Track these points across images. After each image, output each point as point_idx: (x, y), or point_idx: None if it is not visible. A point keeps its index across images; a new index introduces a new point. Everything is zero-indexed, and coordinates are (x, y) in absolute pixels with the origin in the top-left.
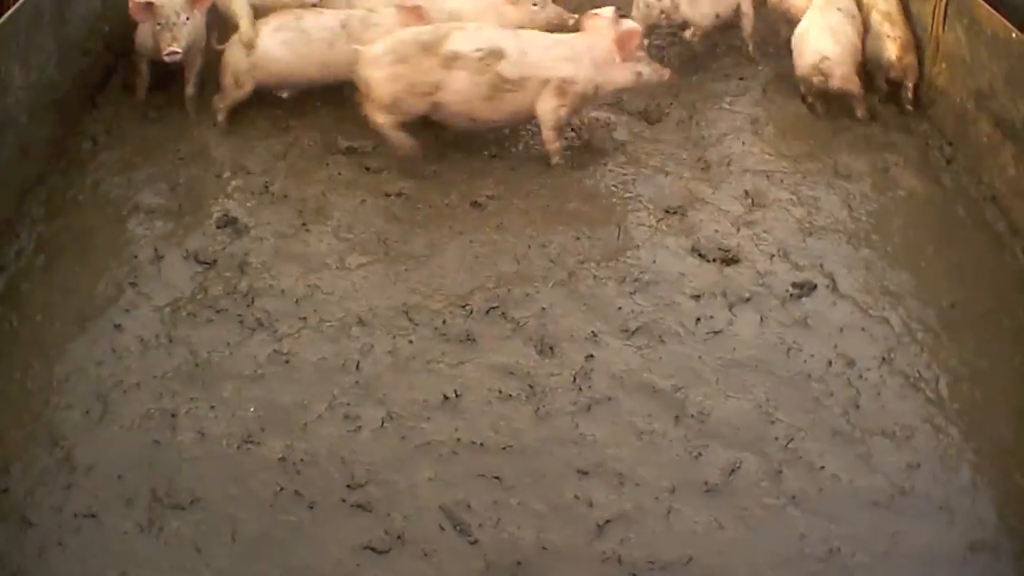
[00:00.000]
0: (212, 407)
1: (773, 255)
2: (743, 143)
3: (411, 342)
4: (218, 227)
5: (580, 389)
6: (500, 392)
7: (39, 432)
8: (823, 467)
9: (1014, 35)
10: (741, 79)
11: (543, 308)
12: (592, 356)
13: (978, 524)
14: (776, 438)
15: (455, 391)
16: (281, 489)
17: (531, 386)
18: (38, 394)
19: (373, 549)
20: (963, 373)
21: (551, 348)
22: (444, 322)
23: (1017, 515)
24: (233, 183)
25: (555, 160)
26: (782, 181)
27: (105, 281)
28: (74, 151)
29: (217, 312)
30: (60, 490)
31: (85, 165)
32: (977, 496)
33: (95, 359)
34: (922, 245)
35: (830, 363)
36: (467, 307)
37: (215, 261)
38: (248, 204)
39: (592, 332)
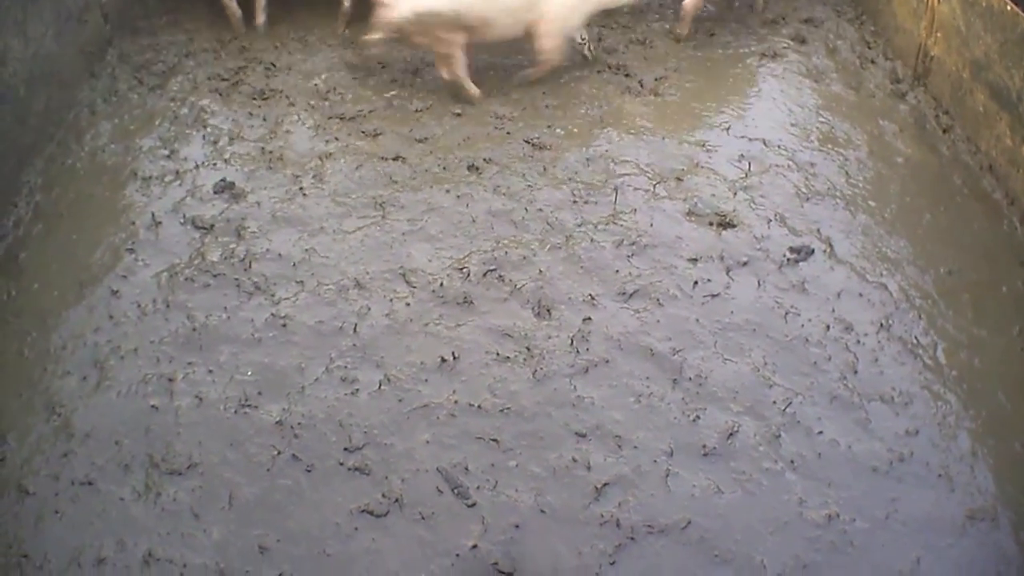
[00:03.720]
0: (210, 371)
1: (770, 220)
2: (740, 109)
3: (408, 305)
4: (215, 192)
5: (577, 352)
6: (497, 355)
7: (36, 400)
8: (821, 432)
9: (1008, 7)
10: (739, 48)
11: (540, 271)
12: (589, 319)
13: (977, 492)
14: (774, 402)
15: (452, 353)
16: (279, 453)
17: (528, 348)
18: (36, 362)
19: (371, 512)
20: (961, 340)
21: (548, 311)
22: (441, 285)
23: (1016, 484)
24: (230, 150)
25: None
26: (779, 147)
27: (103, 248)
28: (72, 121)
29: (214, 277)
30: (57, 458)
31: (83, 134)
32: (976, 464)
33: (93, 326)
34: (919, 212)
35: (828, 328)
36: (464, 270)
37: (212, 226)
38: (245, 170)
39: (589, 295)
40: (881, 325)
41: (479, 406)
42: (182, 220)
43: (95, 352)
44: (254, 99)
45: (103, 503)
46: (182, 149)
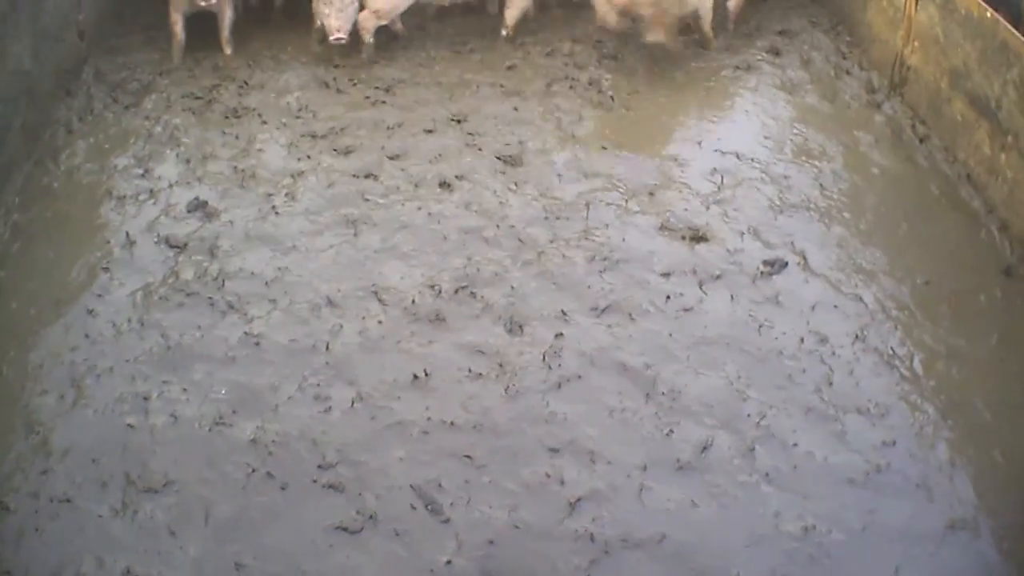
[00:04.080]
0: (184, 390)
1: (744, 233)
2: (713, 123)
3: (380, 323)
4: (189, 211)
5: (550, 367)
6: (470, 371)
7: (15, 419)
8: (796, 444)
9: (988, 14)
10: (712, 62)
11: (512, 287)
12: (562, 334)
13: (957, 502)
14: (748, 415)
15: (425, 370)
16: (253, 471)
17: (501, 365)
18: (14, 381)
19: (345, 529)
20: (939, 351)
21: (520, 327)
22: (413, 302)
23: (996, 493)
24: (204, 168)
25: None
26: (752, 160)
27: (79, 267)
28: (48, 139)
29: (188, 296)
30: (36, 475)
31: (59, 153)
32: (955, 474)
33: (69, 345)
34: (896, 223)
35: (802, 340)
36: (436, 287)
37: (186, 245)
38: (219, 188)
39: (562, 310)
40: (856, 336)
41: (452, 423)
42: (156, 239)
43: (72, 371)
44: (227, 117)
45: (81, 520)
46: (156, 168)
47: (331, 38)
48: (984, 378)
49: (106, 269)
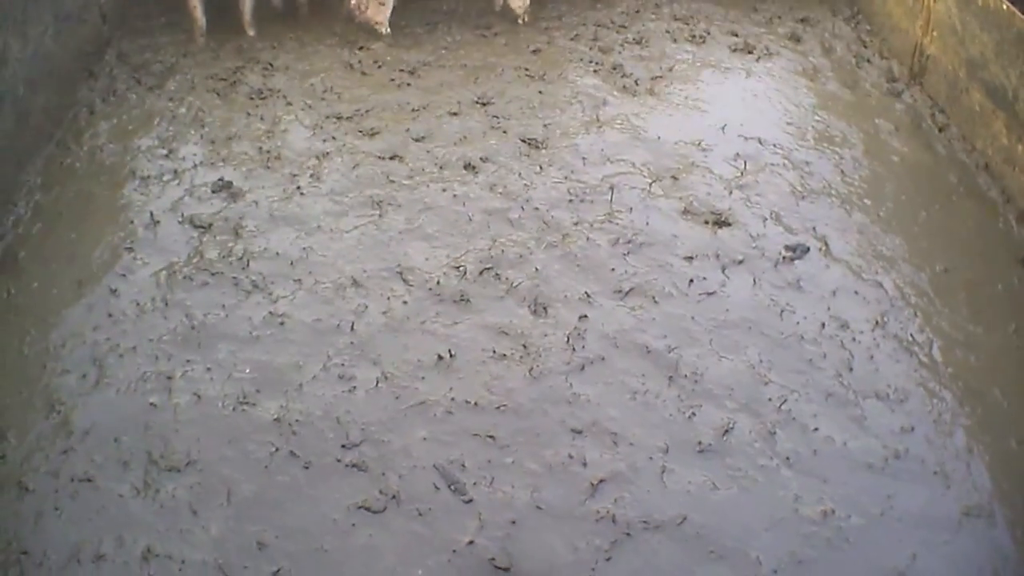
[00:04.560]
0: (208, 369)
1: (766, 218)
2: (736, 108)
3: (405, 303)
4: (213, 192)
5: (574, 349)
6: (494, 352)
7: (36, 398)
8: (817, 429)
9: (1004, 6)
10: (734, 47)
11: (536, 269)
12: (585, 316)
13: (973, 490)
14: (770, 399)
15: (449, 351)
16: (276, 450)
17: (525, 346)
18: (35, 360)
19: (368, 509)
20: (957, 338)
21: (544, 308)
22: (438, 283)
23: (1012, 481)
24: (228, 149)
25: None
26: (775, 146)
27: (102, 247)
28: (71, 121)
29: (212, 275)
30: (57, 455)
31: (82, 134)
32: (972, 461)
33: (92, 324)
34: (915, 211)
35: (823, 325)
36: (461, 268)
37: (210, 225)
38: (243, 169)
39: (585, 293)
40: (876, 323)
41: (476, 403)
42: (180, 219)
43: (94, 350)
44: (251, 99)
45: (102, 500)
46: (180, 148)
47: (379, 29)
48: (1001, 366)
49: (129, 249)
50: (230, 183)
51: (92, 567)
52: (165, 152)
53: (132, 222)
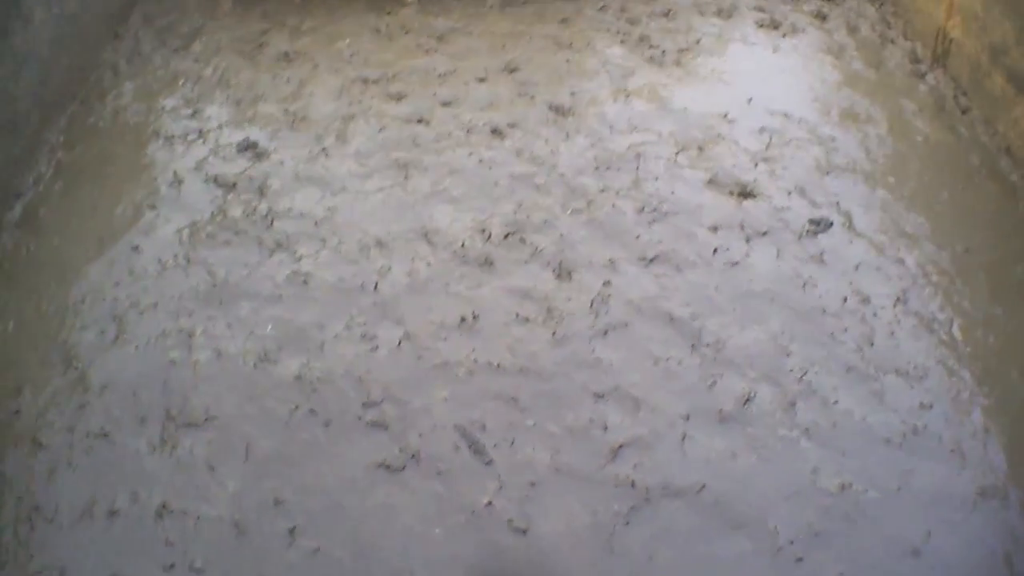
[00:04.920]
0: (229, 326)
1: (790, 192)
2: (762, 83)
3: (429, 264)
4: (238, 151)
5: (597, 314)
6: (517, 315)
7: (53, 354)
8: (837, 402)
9: None
10: (761, 23)
11: (561, 234)
12: (609, 282)
13: (988, 470)
14: (791, 370)
15: (472, 313)
16: (296, 408)
17: (548, 310)
18: (54, 317)
19: (387, 467)
20: (977, 318)
21: (569, 273)
22: (463, 245)
23: None
24: (254, 109)
25: None
26: (800, 121)
27: (124, 205)
28: (95, 81)
29: (236, 234)
30: (73, 410)
31: (106, 94)
32: (988, 441)
33: (112, 281)
34: (937, 190)
35: (845, 299)
36: (485, 231)
37: (235, 184)
38: (268, 129)
39: (610, 259)
40: (898, 299)
41: (498, 365)
42: (204, 178)
43: (114, 307)
44: (278, 61)
45: (118, 455)
46: (206, 109)
47: None
48: (1020, 348)
49: (152, 207)
50: (255, 143)
51: (105, 522)
52: (190, 112)
53: (155, 180)
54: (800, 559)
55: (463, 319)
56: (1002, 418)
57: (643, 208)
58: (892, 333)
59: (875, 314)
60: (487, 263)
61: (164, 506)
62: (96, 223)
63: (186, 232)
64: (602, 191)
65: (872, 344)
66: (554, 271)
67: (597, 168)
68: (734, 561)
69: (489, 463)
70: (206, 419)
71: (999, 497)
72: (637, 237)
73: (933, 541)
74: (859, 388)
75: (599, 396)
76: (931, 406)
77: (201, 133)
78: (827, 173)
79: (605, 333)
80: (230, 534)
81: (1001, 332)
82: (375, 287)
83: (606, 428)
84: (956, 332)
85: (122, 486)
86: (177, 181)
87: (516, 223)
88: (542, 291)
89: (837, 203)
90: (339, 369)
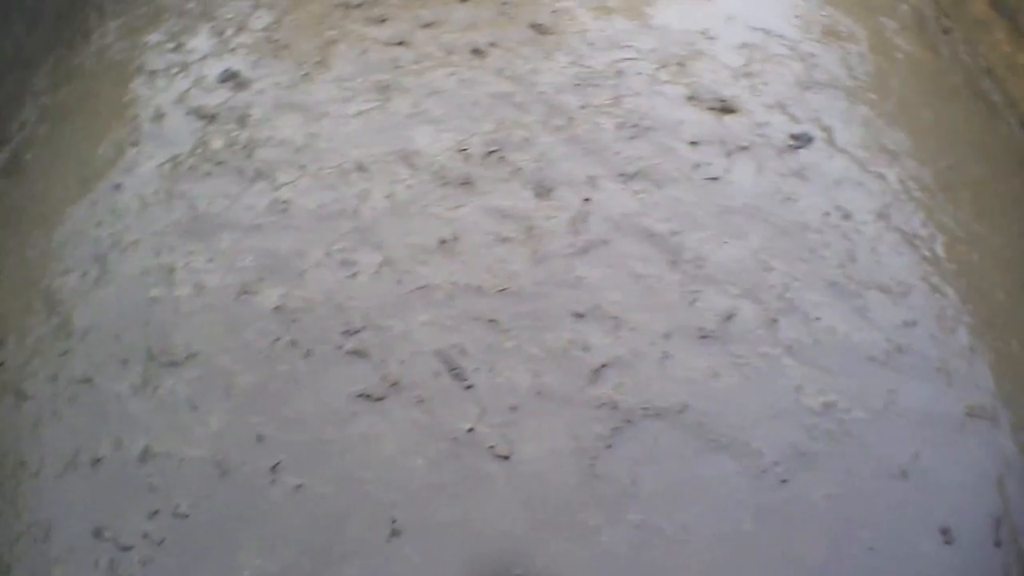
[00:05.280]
0: (210, 259)
1: (771, 107)
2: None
3: (409, 187)
4: (220, 82)
5: (577, 232)
6: (497, 235)
7: (36, 301)
8: (819, 318)
9: None
10: None
11: (541, 152)
12: (589, 199)
13: (976, 389)
14: (772, 286)
15: (452, 234)
16: (277, 339)
17: (528, 229)
18: (37, 262)
19: (368, 396)
20: (960, 235)
21: (548, 191)
22: (442, 167)
23: (1016, 383)
24: (236, 40)
25: None
26: (781, 37)
27: (107, 144)
28: (80, 22)
29: (217, 165)
30: (56, 357)
31: (91, 34)
32: (975, 360)
33: (95, 220)
34: (919, 108)
35: (826, 215)
36: (465, 151)
37: (216, 116)
38: (250, 59)
39: (589, 176)
40: (880, 215)
41: (478, 287)
42: (186, 111)
43: (96, 247)
44: None
45: (101, 401)
46: (188, 42)
47: None
48: (1005, 266)
49: (134, 144)
50: (237, 73)
51: (90, 471)
52: (173, 46)
53: (138, 117)
54: (785, 480)
55: (443, 241)
56: (988, 337)
57: (623, 124)
58: (874, 249)
59: (857, 230)
60: (467, 183)
61: (147, 450)
62: (79, 164)
63: (167, 167)
64: (582, 108)
65: (854, 260)
66: (534, 189)
67: (577, 85)
68: (718, 482)
69: (470, 388)
70: (187, 356)
71: (988, 418)
72: (617, 153)
73: (921, 462)
74: (841, 304)
75: (579, 316)
76: (915, 323)
77: (183, 66)
78: (808, 89)
79: (585, 251)
80: (213, 475)
81: (986, 250)
82: (355, 212)
83: (587, 348)
84: (939, 249)
85: (106, 433)
86: (159, 116)
87: (496, 142)
88: (522, 210)
89: (818, 118)
90: (319, 297)
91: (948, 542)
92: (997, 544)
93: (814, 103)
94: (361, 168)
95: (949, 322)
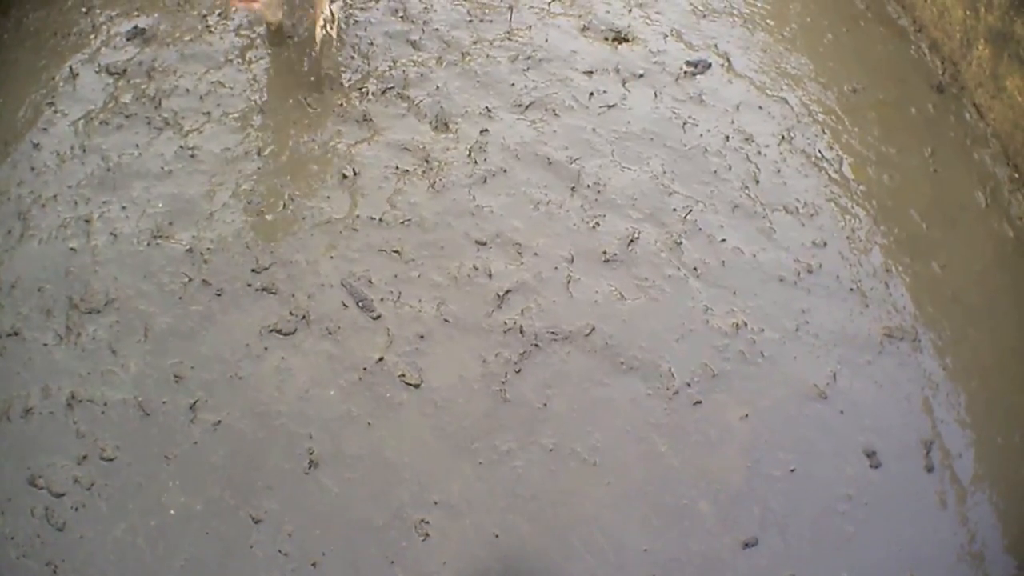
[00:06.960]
0: (123, 208)
1: (666, 35)
2: None
3: (309, 125)
4: (128, 39)
5: (476, 162)
6: (397, 168)
7: None
8: (724, 240)
9: None
10: None
11: (437, 87)
12: (486, 131)
13: (894, 310)
14: (674, 209)
15: (353, 169)
16: (190, 280)
17: (427, 160)
18: None
19: (279, 331)
20: (868, 157)
21: (446, 124)
22: (341, 105)
23: (937, 306)
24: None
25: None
26: None
27: (25, 106)
28: None
29: (127, 117)
30: None
31: (10, 8)
32: (891, 281)
33: (16, 180)
34: (820, 32)
35: (727, 138)
36: (363, 89)
37: (125, 71)
38: (155, 16)
39: (486, 107)
40: (783, 137)
41: (380, 219)
42: (97, 69)
43: (18, 204)
44: None
45: (28, 352)
46: (97, 5)
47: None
48: (917, 188)
49: (51, 104)
50: (143, 30)
51: (21, 422)
52: (84, 10)
53: (53, 78)
54: (699, 402)
55: (344, 176)
56: (904, 258)
57: (517, 56)
58: (778, 171)
59: (759, 152)
60: (365, 119)
61: (73, 396)
62: (2, 129)
63: (81, 123)
64: (476, 43)
65: (758, 182)
66: (431, 123)
67: (470, 21)
68: (629, 404)
69: (377, 318)
70: (106, 303)
71: (909, 340)
72: (512, 85)
73: (840, 384)
74: (747, 226)
75: (481, 243)
76: (825, 244)
77: (94, 27)
78: (703, 16)
79: (484, 180)
80: (136, 416)
81: (896, 172)
82: (258, 153)
83: (491, 275)
84: (847, 171)
85: (34, 382)
86: (72, 76)
87: (392, 79)
88: (420, 143)
89: (715, 45)
90: (228, 236)
91: (875, 466)
92: (929, 469)
93: (710, 30)
94: (263, 111)
95: (861, 243)
